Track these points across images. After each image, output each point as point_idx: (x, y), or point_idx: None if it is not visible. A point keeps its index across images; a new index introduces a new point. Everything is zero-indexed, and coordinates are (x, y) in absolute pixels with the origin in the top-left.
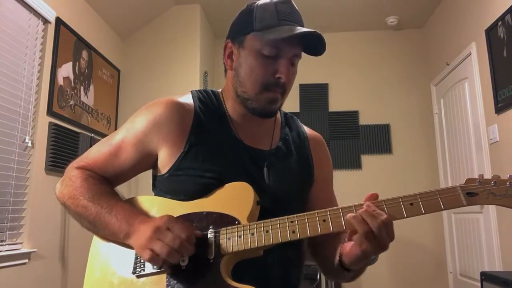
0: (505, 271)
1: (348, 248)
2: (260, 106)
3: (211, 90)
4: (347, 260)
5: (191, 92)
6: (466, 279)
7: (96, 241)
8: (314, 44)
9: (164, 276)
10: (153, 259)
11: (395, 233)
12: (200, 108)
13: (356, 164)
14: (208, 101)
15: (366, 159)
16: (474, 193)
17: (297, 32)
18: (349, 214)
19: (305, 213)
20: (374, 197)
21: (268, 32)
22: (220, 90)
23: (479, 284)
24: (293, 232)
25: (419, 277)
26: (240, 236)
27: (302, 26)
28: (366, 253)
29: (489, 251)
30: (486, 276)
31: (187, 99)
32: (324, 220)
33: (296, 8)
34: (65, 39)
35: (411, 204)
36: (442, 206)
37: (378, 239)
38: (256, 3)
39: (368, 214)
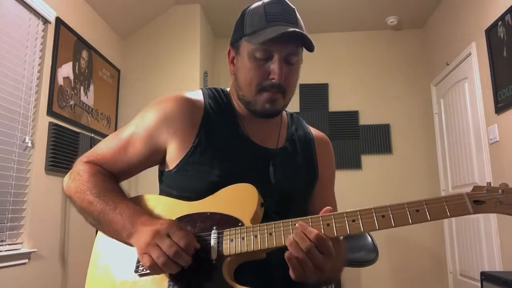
0: (505, 271)
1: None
2: (260, 107)
3: (221, 88)
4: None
5: (201, 89)
6: (466, 279)
7: (100, 237)
8: (304, 42)
9: (166, 276)
10: (152, 267)
11: (395, 233)
12: (210, 104)
13: (356, 164)
14: (218, 99)
15: (366, 159)
16: (481, 201)
17: (277, 34)
18: (289, 238)
19: (309, 217)
20: (329, 211)
21: (255, 36)
22: (229, 89)
23: (479, 284)
24: None
25: (419, 277)
26: (243, 238)
27: (295, 23)
28: (301, 277)
29: (489, 251)
30: (486, 276)
31: (197, 95)
32: (328, 224)
33: (290, 5)
34: (65, 39)
35: (417, 210)
36: (448, 213)
37: (311, 260)
38: (249, 8)
39: (298, 236)
